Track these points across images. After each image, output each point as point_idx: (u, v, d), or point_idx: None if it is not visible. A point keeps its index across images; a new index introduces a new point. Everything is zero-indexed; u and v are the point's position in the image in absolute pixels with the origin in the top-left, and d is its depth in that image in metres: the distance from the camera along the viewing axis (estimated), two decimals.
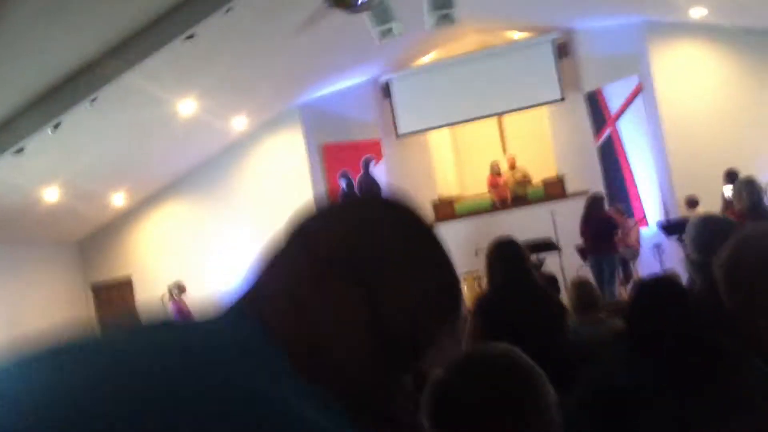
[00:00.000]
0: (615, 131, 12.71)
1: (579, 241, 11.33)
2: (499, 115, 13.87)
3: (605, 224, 10.79)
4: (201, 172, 13.59)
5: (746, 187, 7.17)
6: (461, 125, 14.75)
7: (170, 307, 12.22)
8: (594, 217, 10.70)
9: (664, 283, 2.80)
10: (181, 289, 12.32)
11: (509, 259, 3.85)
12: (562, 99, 13.13)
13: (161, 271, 13.42)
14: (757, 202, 7.02)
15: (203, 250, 13.66)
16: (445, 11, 8.68)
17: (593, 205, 10.91)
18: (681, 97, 11.60)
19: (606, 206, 12.06)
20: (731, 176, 10.23)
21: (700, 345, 2.38)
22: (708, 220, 3.29)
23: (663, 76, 11.66)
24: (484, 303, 3.89)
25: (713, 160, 10.73)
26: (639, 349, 2.50)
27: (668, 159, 11.58)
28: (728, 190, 9.93)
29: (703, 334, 2.41)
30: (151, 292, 13.18)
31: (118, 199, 13.12)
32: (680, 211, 11.13)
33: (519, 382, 1.30)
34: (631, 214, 11.98)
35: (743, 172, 10.20)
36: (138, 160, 11.79)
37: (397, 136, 14.05)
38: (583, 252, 11.01)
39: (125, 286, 14.10)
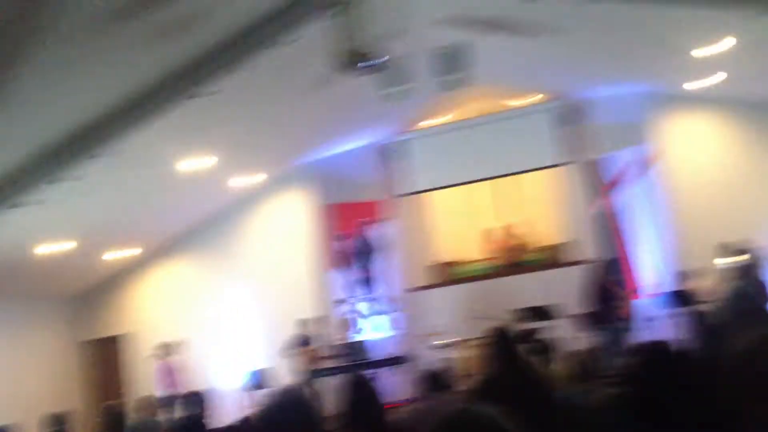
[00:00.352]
0: (617, 200, 12.79)
1: (575, 309, 11.28)
2: (503, 176, 13.94)
3: (608, 293, 10.78)
4: (203, 229, 13.55)
5: (750, 266, 7.20)
6: (462, 188, 14.85)
7: (158, 366, 11.99)
8: (598, 286, 10.70)
9: (659, 348, 2.82)
10: (168, 349, 12.11)
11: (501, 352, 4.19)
12: (565, 164, 13.23)
13: (157, 329, 13.22)
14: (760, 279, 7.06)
15: (202, 309, 13.50)
16: (455, 76, 8.79)
17: (597, 273, 10.91)
18: (687, 167, 11.65)
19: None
20: (725, 250, 10.26)
21: (696, 409, 2.40)
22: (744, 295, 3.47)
23: (669, 146, 11.74)
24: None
25: (719, 231, 10.69)
26: (636, 413, 2.52)
27: (672, 229, 11.58)
28: (720, 263, 9.94)
29: (700, 398, 2.43)
30: (141, 350, 12.97)
31: (116, 255, 12.95)
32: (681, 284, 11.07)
33: None
34: (623, 286, 11.95)
35: (745, 245, 10.26)
36: (140, 217, 11.74)
37: (401, 195, 14.04)
38: (581, 320, 10.94)
39: (118, 344, 13.86)
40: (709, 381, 2.64)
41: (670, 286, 11.46)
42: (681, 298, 10.55)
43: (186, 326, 13.23)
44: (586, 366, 4.41)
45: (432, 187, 14.09)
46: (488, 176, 13.79)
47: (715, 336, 3.49)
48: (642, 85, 11.64)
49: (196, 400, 6.76)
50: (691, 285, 10.59)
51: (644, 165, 12.31)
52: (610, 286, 11.33)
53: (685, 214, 11.53)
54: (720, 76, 10.28)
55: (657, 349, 2.85)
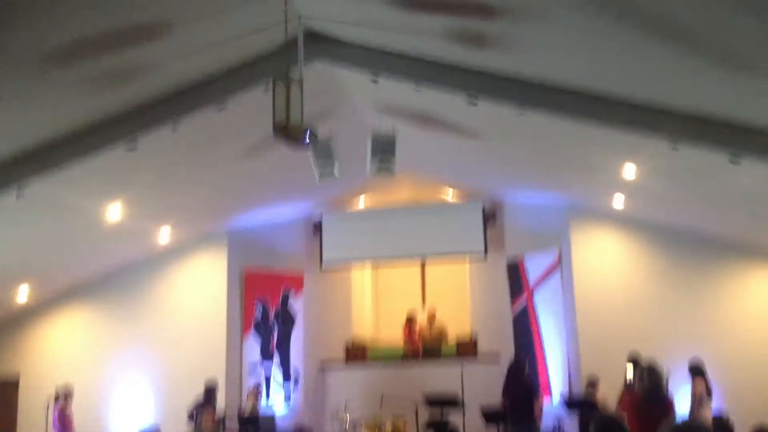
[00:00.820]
0: (531, 301, 13.09)
1: (484, 402, 11.39)
2: (423, 257, 14.19)
3: (527, 390, 10.92)
4: (114, 280, 13.27)
5: (648, 372, 7.48)
6: (384, 268, 15.03)
7: (53, 411, 11.63)
8: (518, 382, 10.81)
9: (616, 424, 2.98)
10: (68, 394, 11.76)
11: None
12: (485, 254, 13.52)
13: (52, 374, 12.80)
14: (656, 387, 7.31)
15: (100, 360, 13.12)
16: (386, 162, 9.04)
17: (517, 369, 11.03)
18: (595, 278, 12.13)
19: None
20: (633, 361, 10.61)
21: None
22: (604, 420, 3.79)
23: (580, 256, 12.24)
24: None
25: (620, 343, 11.13)
26: None
27: (577, 336, 11.94)
28: (629, 373, 10.26)
29: None
30: (38, 394, 12.49)
31: (21, 295, 12.59)
32: (583, 389, 11.34)
33: None
34: (537, 385, 12.15)
35: (646, 359, 10.62)
36: (49, 259, 11.45)
37: (321, 269, 14.13)
38: (489, 416, 11.02)
39: (11, 386, 13.35)
40: None
41: (571, 391, 11.72)
42: (581, 403, 10.77)
43: (88, 375, 12.85)
44: None
45: (351, 258, 14.19)
46: (407, 255, 13.99)
47: None
48: (560, 196, 12.17)
49: None
50: (590, 392, 10.84)
51: (556, 271, 12.70)
52: (530, 385, 11.52)
53: (589, 323, 11.89)
54: (620, 198, 10.93)
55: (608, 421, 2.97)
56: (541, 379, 12.55)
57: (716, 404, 10.00)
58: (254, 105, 7.89)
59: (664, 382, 7.51)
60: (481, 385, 12.43)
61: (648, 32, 5.88)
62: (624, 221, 12.03)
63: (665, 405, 7.15)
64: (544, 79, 7.40)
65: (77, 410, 11.85)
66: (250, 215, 13.00)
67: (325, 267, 14.14)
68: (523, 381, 11.19)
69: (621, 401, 9.93)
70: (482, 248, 13.56)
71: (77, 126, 7.49)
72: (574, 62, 7.01)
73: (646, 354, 10.35)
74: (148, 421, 12.25)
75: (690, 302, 11.73)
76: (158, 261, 13.21)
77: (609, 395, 10.59)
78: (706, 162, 7.85)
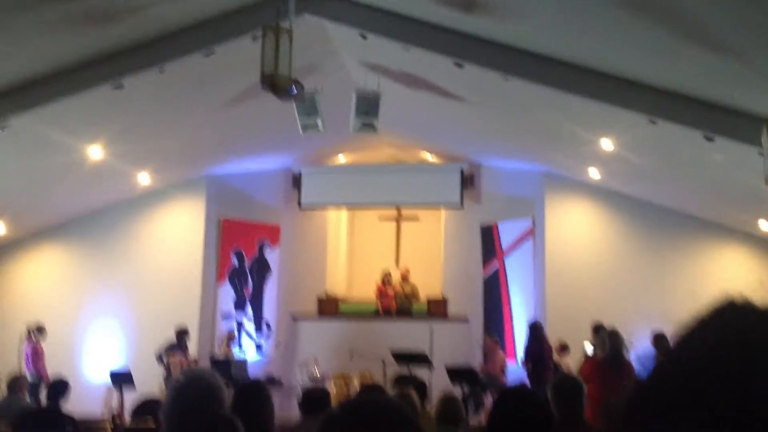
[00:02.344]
0: (502, 266, 13.33)
1: (452, 360, 11.63)
2: (399, 205, 14.36)
3: (546, 353, 11.10)
4: (91, 222, 13.26)
5: (610, 337, 7.73)
6: (367, 230, 15.17)
7: (25, 347, 11.71)
8: (537, 345, 10.97)
9: (523, 393, 3.14)
10: (41, 332, 11.84)
11: None
12: (461, 205, 13.72)
13: (24, 312, 12.81)
14: (617, 352, 7.57)
15: (73, 301, 13.17)
16: (369, 119, 9.13)
17: (537, 333, 11.14)
18: (566, 247, 12.38)
19: (482, 335, 12.55)
20: (597, 329, 10.90)
21: None
22: (563, 380, 4.04)
23: (553, 225, 12.47)
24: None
25: (586, 311, 11.40)
26: None
27: (545, 303, 12.22)
28: (589, 344, 10.54)
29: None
30: (9, 331, 12.53)
31: None
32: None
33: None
34: (503, 347, 12.43)
35: (609, 327, 10.92)
36: (27, 195, 11.43)
37: (300, 208, 14.19)
38: (454, 374, 11.25)
39: None
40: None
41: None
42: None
43: (60, 314, 12.91)
44: (456, 410, 4.61)
45: (329, 203, 14.37)
46: (383, 203, 14.19)
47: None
48: (538, 164, 12.37)
49: (60, 388, 6.74)
50: (558, 356, 11.14)
51: (529, 238, 12.93)
52: (488, 344, 11.79)
53: (557, 291, 12.17)
54: (596, 170, 11.16)
55: (515, 390, 3.12)
56: (507, 343, 12.84)
57: None
58: (242, 53, 7.93)
59: (625, 347, 7.77)
60: (450, 344, 12.70)
61: (633, 9, 6.00)
62: (599, 192, 12.26)
63: (626, 369, 7.41)
64: (529, 47, 7.51)
65: (48, 349, 11.92)
66: (230, 164, 13.04)
67: (304, 208, 14.20)
68: (543, 344, 11.34)
69: (582, 367, 10.22)
70: (458, 200, 13.72)
71: (62, 63, 7.49)
72: (559, 32, 7.12)
73: (611, 324, 10.66)
74: (120, 363, 12.38)
75: (659, 276, 12.02)
76: (136, 205, 13.23)
77: (573, 362, 10.88)
78: (681, 138, 8.03)
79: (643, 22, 6.08)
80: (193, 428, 2.45)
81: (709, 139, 7.56)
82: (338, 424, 1.36)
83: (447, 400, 4.71)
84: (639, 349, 10.09)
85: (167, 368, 11.28)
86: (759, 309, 0.71)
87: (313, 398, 4.67)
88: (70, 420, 6.23)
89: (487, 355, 11.88)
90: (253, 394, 3.44)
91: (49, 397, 6.82)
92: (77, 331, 13.04)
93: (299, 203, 14.15)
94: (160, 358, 11.51)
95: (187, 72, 8.30)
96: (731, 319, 0.70)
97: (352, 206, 14.83)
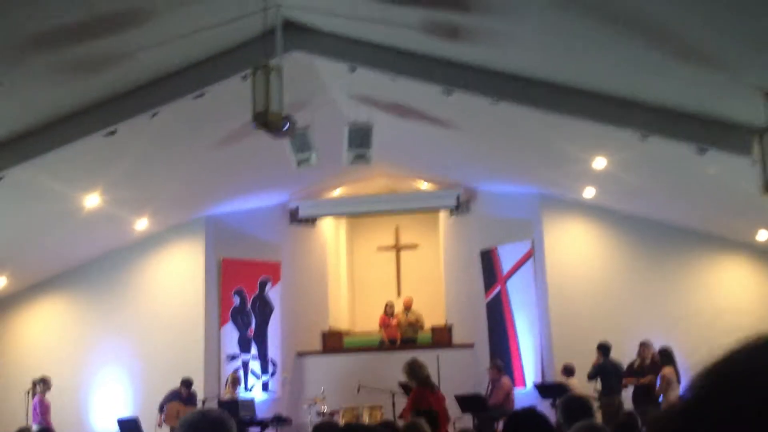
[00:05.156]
0: (504, 290, 13.29)
1: (459, 388, 11.56)
2: (397, 212, 14.48)
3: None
4: (91, 269, 13.20)
5: None
6: (368, 262, 15.17)
7: (33, 401, 11.63)
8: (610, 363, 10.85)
9: (532, 414, 3.15)
10: (46, 384, 11.76)
11: None
12: (457, 207, 13.75)
13: (29, 365, 12.71)
14: None
15: (77, 351, 13.06)
16: (362, 151, 9.17)
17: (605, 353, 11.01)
18: (567, 268, 12.37)
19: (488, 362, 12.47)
20: (603, 349, 10.86)
21: None
22: (572, 400, 4.06)
23: (552, 245, 12.47)
24: None
25: (592, 331, 11.36)
26: None
27: (550, 325, 12.17)
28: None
29: None
30: (14, 385, 12.42)
31: None
32: (556, 377, 11.57)
33: None
34: (509, 373, 12.34)
35: (615, 346, 10.90)
36: (26, 247, 11.42)
37: (297, 221, 14.16)
38: (464, 403, 11.17)
39: None
40: None
41: (550, 378, 11.93)
42: (554, 389, 10.97)
43: (64, 365, 12.81)
44: None
45: (326, 214, 14.43)
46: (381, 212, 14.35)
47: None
48: (533, 186, 12.42)
49: None
50: (563, 379, 11.08)
51: (529, 260, 12.92)
52: (491, 372, 11.75)
53: (561, 312, 12.13)
54: (591, 189, 11.20)
55: (523, 412, 3.12)
56: (515, 367, 12.75)
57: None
58: (232, 93, 7.99)
59: None
60: (457, 372, 12.61)
61: (618, 27, 6.06)
62: (595, 211, 12.27)
63: None
64: (516, 71, 7.57)
65: (54, 401, 11.82)
66: (227, 203, 13.06)
67: (301, 218, 14.11)
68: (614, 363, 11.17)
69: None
70: (455, 204, 13.76)
71: (55, 113, 7.54)
72: (545, 55, 7.18)
73: (615, 345, 10.67)
74: (127, 411, 12.28)
75: (660, 291, 12.00)
76: (135, 250, 13.20)
77: (582, 383, 10.82)
78: (674, 153, 8.07)
79: (630, 40, 6.15)
80: None
81: (702, 151, 7.60)
82: None
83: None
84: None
85: (171, 417, 11.27)
86: None
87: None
88: None
89: (493, 384, 11.79)
90: None
91: None
92: (83, 381, 12.94)
93: (297, 218, 14.10)
94: (161, 409, 11.49)
95: (179, 115, 8.35)
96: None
97: (350, 215, 14.83)
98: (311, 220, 14.35)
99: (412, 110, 9.66)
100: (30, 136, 7.56)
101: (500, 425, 11.33)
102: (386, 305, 14.27)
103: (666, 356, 10.40)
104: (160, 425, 11.42)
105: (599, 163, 9.61)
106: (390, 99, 9.44)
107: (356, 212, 14.63)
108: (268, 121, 7.18)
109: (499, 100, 7.82)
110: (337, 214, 14.72)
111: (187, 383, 11.72)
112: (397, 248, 15.10)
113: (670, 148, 7.86)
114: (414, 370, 8.37)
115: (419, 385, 8.23)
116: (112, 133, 7.77)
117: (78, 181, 9.50)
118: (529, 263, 12.91)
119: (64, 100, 7.40)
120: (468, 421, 11.23)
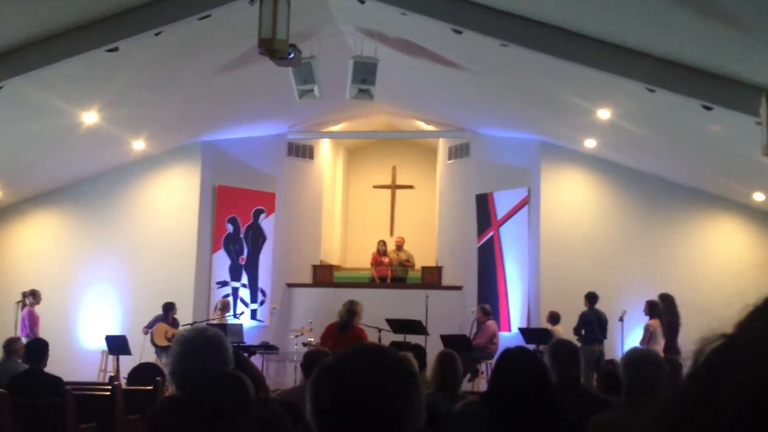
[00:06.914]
0: (497, 235, 13.34)
1: (444, 330, 11.70)
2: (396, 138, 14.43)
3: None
4: (85, 187, 13.15)
5: None
6: (363, 198, 15.17)
7: (22, 313, 11.72)
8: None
9: (524, 352, 3.21)
10: (36, 297, 11.84)
11: None
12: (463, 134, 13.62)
13: (18, 278, 12.78)
14: None
15: (67, 267, 13.11)
16: (365, 86, 9.08)
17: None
18: (561, 217, 12.40)
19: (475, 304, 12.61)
20: (590, 298, 10.96)
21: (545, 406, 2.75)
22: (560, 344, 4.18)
23: (549, 194, 12.47)
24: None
25: (580, 280, 11.46)
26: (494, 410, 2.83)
27: (540, 273, 12.26)
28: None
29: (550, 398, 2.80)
30: (3, 296, 12.50)
31: None
32: (542, 324, 11.71)
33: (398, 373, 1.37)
34: (495, 318, 12.47)
35: (604, 299, 11.01)
36: (22, 160, 11.36)
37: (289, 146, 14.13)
38: (449, 343, 11.31)
39: None
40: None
41: (536, 324, 12.08)
42: (538, 336, 11.12)
43: (54, 281, 12.86)
44: (454, 373, 4.59)
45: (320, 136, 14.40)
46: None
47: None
48: (534, 133, 12.35)
49: (37, 348, 6.66)
50: (548, 326, 11.22)
51: (524, 208, 12.94)
52: (477, 314, 11.91)
53: (552, 261, 12.21)
54: (592, 140, 11.15)
55: (512, 350, 3.16)
56: (501, 312, 12.90)
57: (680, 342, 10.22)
58: (238, 18, 7.85)
59: None
60: (444, 313, 12.74)
61: None
62: (595, 162, 12.24)
63: None
64: (528, 14, 7.45)
65: (43, 315, 11.91)
66: (225, 131, 12.97)
67: (292, 140, 14.08)
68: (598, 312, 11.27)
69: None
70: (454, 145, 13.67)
71: (57, 26, 7.40)
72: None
73: (603, 295, 10.76)
74: (115, 329, 12.40)
75: (654, 246, 12.06)
76: (131, 171, 13.15)
77: (567, 331, 10.95)
78: (679, 107, 8.02)
79: None
80: (204, 368, 2.59)
81: (708, 109, 7.55)
82: (334, 371, 1.35)
83: (445, 364, 4.69)
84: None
85: (151, 338, 11.44)
86: None
87: (316, 360, 4.68)
88: (54, 381, 6.22)
89: (478, 325, 11.94)
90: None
91: (27, 359, 6.70)
92: (72, 297, 13.04)
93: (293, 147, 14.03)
94: (149, 327, 11.62)
95: (183, 36, 8.22)
96: None
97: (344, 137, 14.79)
98: (308, 151, 14.29)
99: (420, 48, 9.53)
100: (30, 48, 7.43)
101: (483, 366, 11.56)
102: (379, 243, 14.33)
103: (654, 309, 10.48)
104: (145, 334, 11.52)
105: (603, 114, 9.55)
106: (398, 35, 9.30)
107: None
108: (274, 48, 7.08)
109: (509, 43, 7.71)
110: (329, 136, 14.61)
111: (167, 306, 11.80)
112: (393, 187, 15.09)
113: (676, 101, 7.80)
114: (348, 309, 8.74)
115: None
116: (114, 49, 7.64)
117: (77, 96, 9.39)
118: (524, 211, 12.93)
119: (66, 14, 7.25)
120: None
